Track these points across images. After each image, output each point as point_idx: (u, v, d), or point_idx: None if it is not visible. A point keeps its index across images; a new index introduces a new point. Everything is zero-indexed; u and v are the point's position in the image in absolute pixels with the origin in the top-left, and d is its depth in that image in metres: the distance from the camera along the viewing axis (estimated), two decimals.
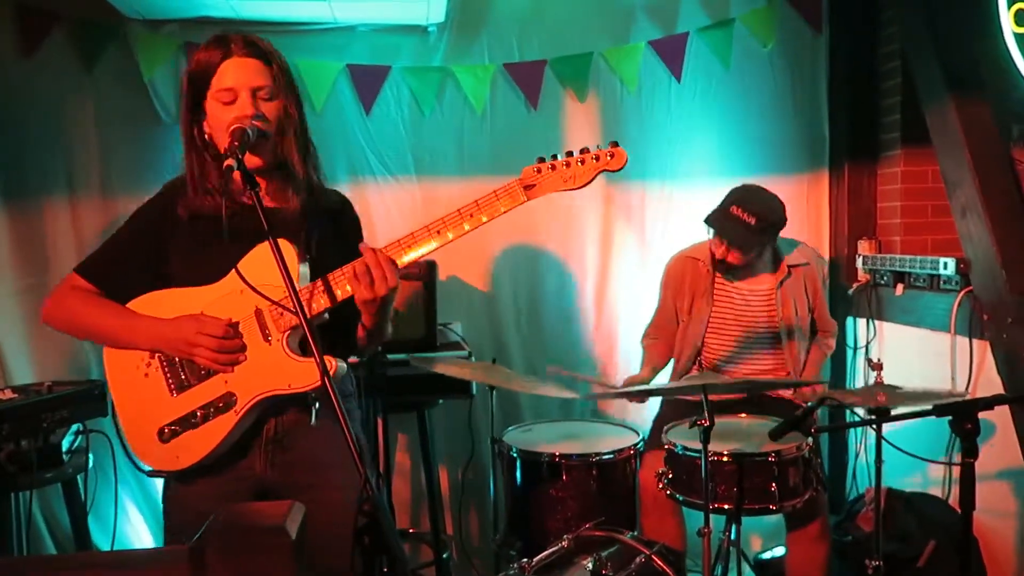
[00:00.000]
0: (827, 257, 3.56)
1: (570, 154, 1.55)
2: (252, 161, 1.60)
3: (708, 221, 2.74)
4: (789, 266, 2.83)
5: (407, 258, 1.59)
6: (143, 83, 3.09)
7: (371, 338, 1.73)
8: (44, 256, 3.12)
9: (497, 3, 3.32)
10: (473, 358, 2.94)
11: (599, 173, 1.55)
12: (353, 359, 2.57)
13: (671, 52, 3.34)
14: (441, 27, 3.27)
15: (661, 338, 2.96)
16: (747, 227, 2.64)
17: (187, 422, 1.62)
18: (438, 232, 1.57)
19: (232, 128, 1.54)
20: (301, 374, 1.58)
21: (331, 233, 1.73)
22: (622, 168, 1.55)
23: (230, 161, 1.48)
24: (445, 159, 3.35)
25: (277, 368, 1.59)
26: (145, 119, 3.15)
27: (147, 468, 1.66)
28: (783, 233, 2.84)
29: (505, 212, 1.56)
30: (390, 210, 3.33)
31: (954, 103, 2.79)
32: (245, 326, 1.61)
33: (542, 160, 1.56)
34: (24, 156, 3.10)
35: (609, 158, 1.54)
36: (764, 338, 2.83)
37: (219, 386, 1.62)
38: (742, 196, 2.70)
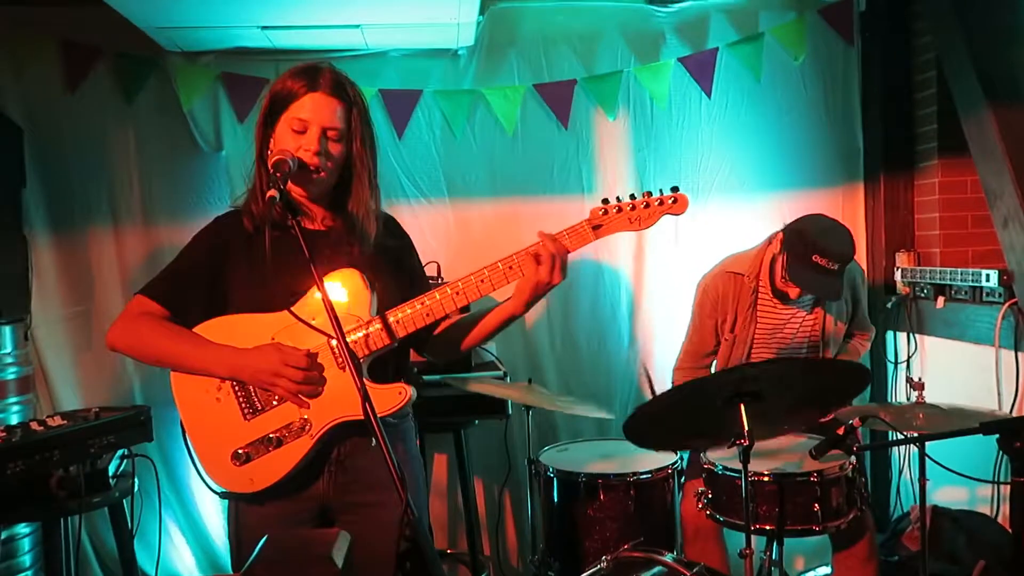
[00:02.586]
0: (865, 269, 3.51)
1: (633, 197, 1.65)
2: (295, 191, 1.66)
3: (792, 277, 2.51)
4: None
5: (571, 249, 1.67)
6: (182, 113, 3.18)
7: (495, 333, 1.80)
8: (89, 284, 3.21)
9: (526, 25, 3.35)
10: (508, 378, 2.95)
11: (663, 216, 1.65)
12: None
13: (701, 68, 3.34)
14: (471, 50, 3.31)
15: (695, 369, 2.82)
16: (832, 274, 2.45)
17: (261, 446, 1.64)
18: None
19: (274, 160, 1.59)
20: (378, 400, 1.60)
21: (388, 259, 1.78)
22: (684, 212, 1.64)
23: (272, 192, 1.51)
24: (477, 180, 3.38)
25: (353, 394, 1.61)
26: (184, 148, 3.24)
27: (219, 490, 1.68)
28: None
29: (575, 250, 1.66)
30: (424, 232, 3.36)
31: (992, 111, 2.75)
32: (320, 354, 1.65)
33: (606, 202, 1.65)
34: (69, 187, 3.21)
35: (672, 203, 1.65)
36: (803, 350, 2.77)
37: (293, 411, 1.65)
38: (818, 242, 2.45)
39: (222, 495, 1.71)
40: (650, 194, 1.65)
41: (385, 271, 1.75)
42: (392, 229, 1.85)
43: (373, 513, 1.66)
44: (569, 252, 1.66)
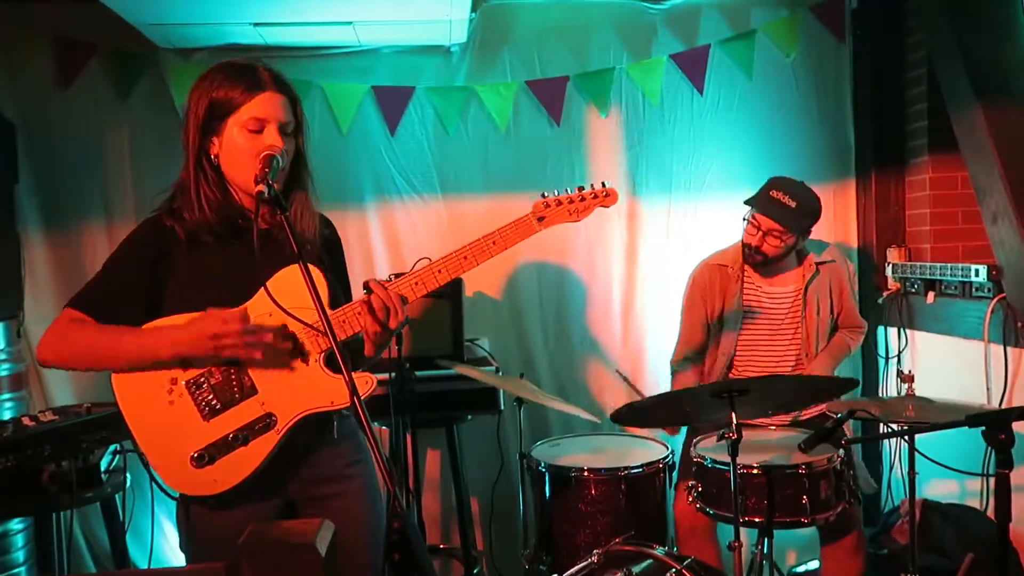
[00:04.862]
0: (856, 265, 3.53)
1: (569, 190, 1.80)
2: (251, 189, 1.61)
3: (749, 203, 2.75)
4: (816, 263, 2.81)
5: (416, 295, 1.70)
6: (175, 110, 3.17)
7: (367, 363, 1.77)
8: (83, 280, 3.11)
9: (518, 22, 3.36)
10: (500, 373, 2.96)
11: (596, 208, 1.80)
12: (382, 376, 2.65)
13: (693, 65, 3.35)
14: (464, 47, 3.31)
15: (691, 361, 2.93)
16: (789, 209, 2.66)
17: (224, 446, 1.62)
18: (449, 267, 1.73)
19: (263, 155, 1.60)
20: (342, 391, 1.63)
21: (328, 258, 1.81)
22: (614, 204, 1.81)
23: (261, 187, 1.53)
24: (470, 177, 3.39)
25: (317, 386, 1.64)
26: (177, 144, 3.18)
27: (177, 494, 1.65)
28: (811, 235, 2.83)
29: (519, 241, 1.76)
30: (416, 228, 3.37)
31: (981, 108, 2.76)
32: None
33: (545, 196, 1.79)
34: (62, 183, 3.21)
35: (604, 196, 1.80)
36: (788, 340, 2.80)
37: (255, 408, 1.64)
38: (781, 182, 2.73)
39: (180, 500, 1.67)
40: (582, 188, 1.79)
41: (328, 268, 1.76)
42: (328, 225, 1.87)
43: (335, 504, 1.69)
44: (405, 296, 1.66)
